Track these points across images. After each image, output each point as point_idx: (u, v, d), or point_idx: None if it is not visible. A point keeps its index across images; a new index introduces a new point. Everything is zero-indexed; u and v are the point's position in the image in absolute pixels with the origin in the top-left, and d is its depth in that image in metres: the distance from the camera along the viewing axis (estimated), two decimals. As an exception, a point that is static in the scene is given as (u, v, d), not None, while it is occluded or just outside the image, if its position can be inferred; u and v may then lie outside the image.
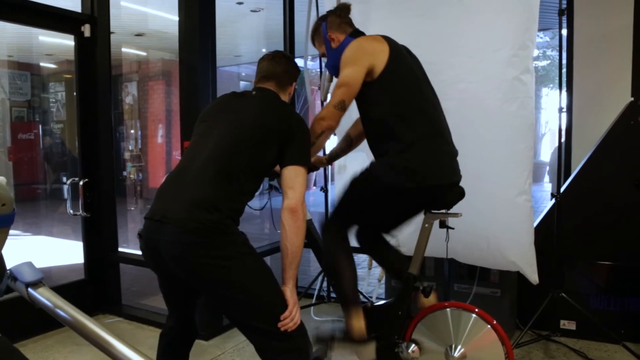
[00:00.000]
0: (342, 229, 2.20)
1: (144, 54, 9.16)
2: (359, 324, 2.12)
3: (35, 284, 1.38)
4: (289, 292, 1.78)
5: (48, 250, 6.16)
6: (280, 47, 4.17)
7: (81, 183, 3.58)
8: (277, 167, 1.89)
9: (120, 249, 3.88)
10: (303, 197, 1.80)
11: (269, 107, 1.89)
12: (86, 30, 3.58)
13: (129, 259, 3.76)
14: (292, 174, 1.80)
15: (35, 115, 9.55)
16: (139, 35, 8.12)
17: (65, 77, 9.40)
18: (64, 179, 8.41)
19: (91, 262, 3.75)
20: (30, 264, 1.41)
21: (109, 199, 3.79)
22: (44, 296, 1.36)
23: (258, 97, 1.95)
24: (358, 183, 2.15)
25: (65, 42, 6.15)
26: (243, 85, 11.26)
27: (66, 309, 1.33)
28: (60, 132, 9.57)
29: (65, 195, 3.70)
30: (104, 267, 3.78)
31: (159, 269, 1.81)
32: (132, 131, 9.10)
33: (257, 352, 1.79)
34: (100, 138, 3.72)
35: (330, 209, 2.32)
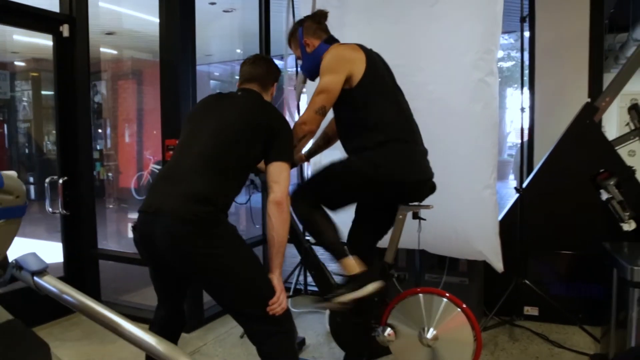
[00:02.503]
0: (310, 198, 2.27)
1: (114, 52, 9.07)
2: (353, 262, 2.18)
3: (40, 273, 1.46)
4: (276, 279, 1.91)
5: (23, 251, 6.07)
6: (255, 47, 4.25)
7: (60, 181, 3.61)
8: (261, 164, 2.01)
9: (99, 247, 3.91)
10: (288, 190, 1.92)
11: (254, 106, 2.01)
12: (65, 30, 3.61)
13: (109, 255, 3.80)
14: (277, 170, 1.92)
15: (0, 113, 9.35)
16: (109, 34, 8.06)
17: (32, 75, 9.22)
18: (31, 179, 8.26)
19: (70, 260, 3.78)
20: (34, 254, 1.49)
21: (88, 196, 3.82)
22: (50, 283, 1.44)
23: (243, 97, 2.06)
24: (334, 168, 2.25)
25: (33, 40, 6.07)
26: (213, 84, 11.21)
27: (72, 294, 1.42)
28: (27, 131, 9.38)
29: (33, 196, 3.68)
30: (83, 264, 3.81)
31: (153, 259, 1.91)
32: (101, 130, 9.00)
33: (248, 336, 1.91)
34: (79, 137, 3.74)
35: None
